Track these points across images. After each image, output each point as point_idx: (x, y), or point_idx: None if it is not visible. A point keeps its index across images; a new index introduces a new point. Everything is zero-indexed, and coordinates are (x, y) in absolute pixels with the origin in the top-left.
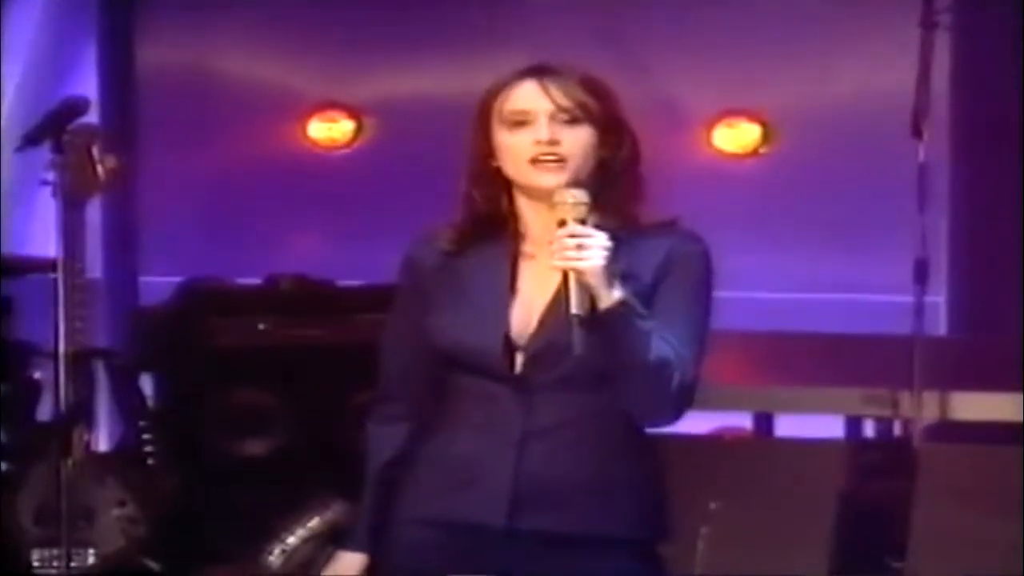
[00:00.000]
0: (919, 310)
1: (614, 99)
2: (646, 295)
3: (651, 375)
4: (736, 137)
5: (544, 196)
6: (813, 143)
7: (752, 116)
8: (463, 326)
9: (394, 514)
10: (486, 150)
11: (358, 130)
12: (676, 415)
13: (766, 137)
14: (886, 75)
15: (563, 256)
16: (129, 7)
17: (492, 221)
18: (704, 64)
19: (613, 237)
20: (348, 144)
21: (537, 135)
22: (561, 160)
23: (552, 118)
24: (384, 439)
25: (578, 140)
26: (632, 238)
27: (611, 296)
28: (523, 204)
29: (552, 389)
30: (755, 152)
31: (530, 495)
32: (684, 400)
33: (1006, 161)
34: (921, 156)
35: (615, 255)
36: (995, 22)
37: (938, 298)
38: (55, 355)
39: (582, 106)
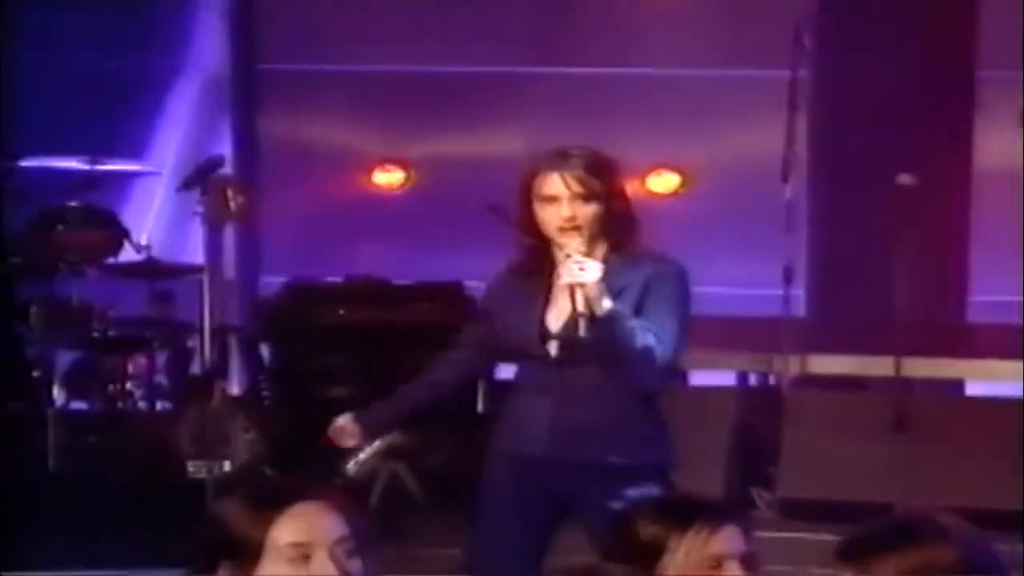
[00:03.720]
0: (787, 299)
1: (614, 173)
2: (640, 300)
3: (638, 357)
4: (663, 183)
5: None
6: (717, 186)
7: (674, 168)
8: (518, 327)
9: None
10: (531, 215)
11: (407, 178)
12: (661, 384)
13: (684, 183)
14: (764, 139)
15: (570, 274)
16: (252, 94)
17: (538, 256)
18: (641, 133)
19: (616, 261)
20: (401, 188)
21: (561, 213)
22: (577, 227)
23: (571, 200)
24: (441, 365)
25: (589, 213)
26: (627, 261)
27: (603, 305)
28: (554, 248)
29: (575, 364)
30: (676, 193)
31: (565, 434)
32: (666, 374)
33: (845, 198)
34: (787, 195)
35: (616, 275)
36: (837, 99)
37: (799, 291)
38: (202, 330)
39: (591, 190)
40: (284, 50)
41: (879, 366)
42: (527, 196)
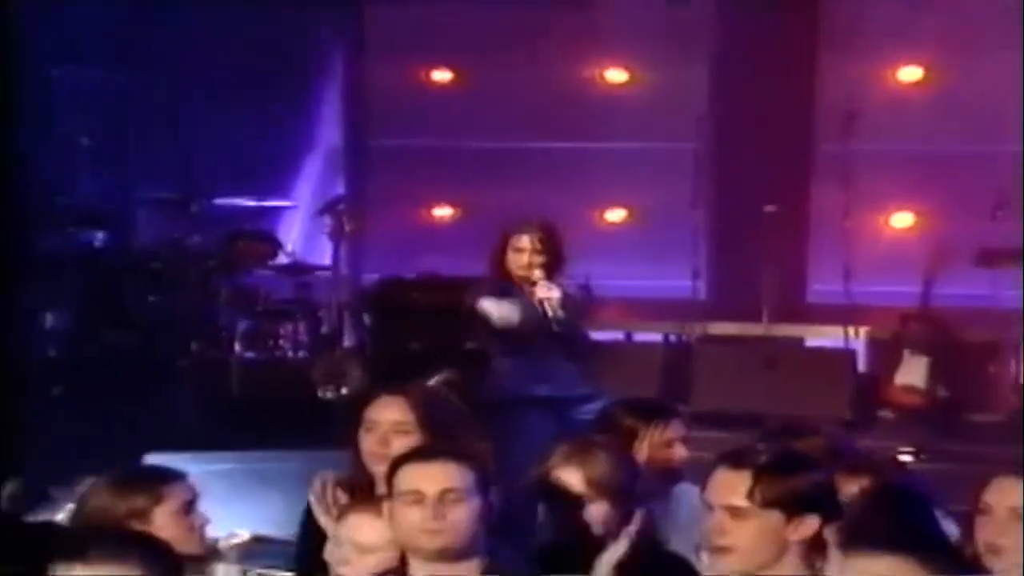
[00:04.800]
0: (695, 288)
1: (557, 236)
2: (568, 306)
3: (580, 338)
4: (615, 215)
5: (524, 276)
6: (650, 216)
7: (623, 205)
8: (528, 319)
9: (502, 395)
10: (504, 257)
11: (455, 212)
12: (589, 352)
13: (629, 215)
14: (680, 186)
15: (544, 292)
16: (360, 158)
17: (503, 281)
18: (603, 182)
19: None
20: (451, 218)
21: (524, 259)
22: (531, 269)
23: (531, 253)
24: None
25: (540, 260)
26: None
27: (559, 311)
28: (514, 274)
29: (554, 340)
30: (624, 222)
31: (560, 379)
32: (590, 347)
33: (731, 222)
34: (695, 221)
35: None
36: (725, 160)
37: (702, 282)
38: (328, 307)
39: (544, 247)
40: (379, 129)
41: (754, 329)
42: (504, 245)
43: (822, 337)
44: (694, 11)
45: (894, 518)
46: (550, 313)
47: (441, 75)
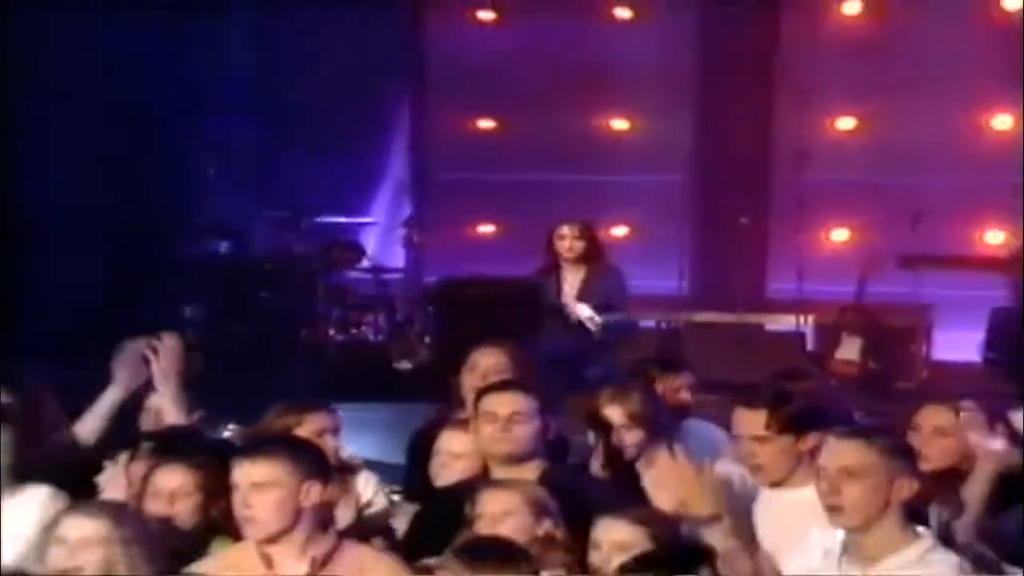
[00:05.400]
0: (680, 287)
1: (593, 230)
2: (608, 291)
3: (610, 320)
4: (620, 231)
5: (567, 259)
6: (647, 231)
7: (626, 223)
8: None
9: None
10: (552, 246)
11: (496, 229)
12: (621, 331)
13: (631, 231)
14: (669, 208)
15: (585, 316)
16: (422, 185)
17: (552, 267)
18: (610, 205)
19: (594, 270)
20: (492, 235)
21: (566, 245)
22: (573, 253)
23: (572, 239)
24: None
25: (580, 246)
26: (598, 269)
27: (598, 330)
28: (560, 261)
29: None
30: (627, 236)
31: (573, 351)
32: (623, 327)
33: (712, 232)
34: (682, 234)
35: (594, 278)
36: (708, 187)
37: (686, 282)
38: (402, 299)
39: (583, 235)
40: (438, 165)
41: (727, 317)
42: (551, 237)
43: (779, 324)
44: (680, 74)
45: None
46: (591, 328)
47: (486, 123)
